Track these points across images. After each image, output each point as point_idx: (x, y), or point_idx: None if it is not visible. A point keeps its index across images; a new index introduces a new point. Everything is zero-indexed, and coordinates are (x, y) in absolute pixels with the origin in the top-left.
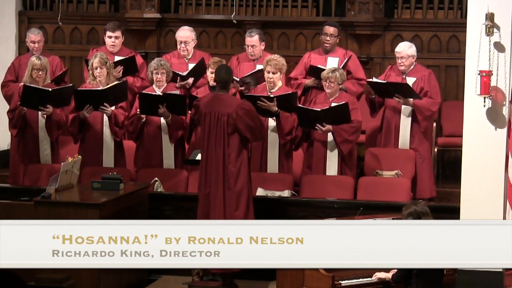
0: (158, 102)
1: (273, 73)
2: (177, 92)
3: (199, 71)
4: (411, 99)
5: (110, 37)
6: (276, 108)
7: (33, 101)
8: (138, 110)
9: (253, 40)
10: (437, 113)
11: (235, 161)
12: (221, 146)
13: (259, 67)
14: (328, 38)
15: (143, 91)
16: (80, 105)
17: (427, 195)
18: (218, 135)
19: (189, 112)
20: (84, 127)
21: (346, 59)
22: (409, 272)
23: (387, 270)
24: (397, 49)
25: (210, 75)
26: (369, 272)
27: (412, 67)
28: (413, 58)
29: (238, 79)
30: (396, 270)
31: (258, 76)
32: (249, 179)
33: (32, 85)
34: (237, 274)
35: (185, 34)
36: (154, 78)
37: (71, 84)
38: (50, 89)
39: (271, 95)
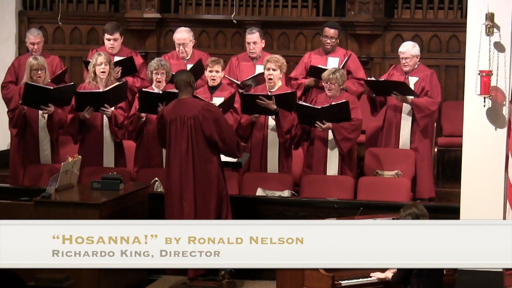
0: (158, 100)
1: (274, 70)
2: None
3: (196, 72)
4: (409, 97)
5: (108, 39)
6: (275, 106)
7: (35, 100)
8: (137, 108)
9: (254, 36)
10: (437, 113)
11: (205, 162)
12: (190, 148)
13: (258, 67)
14: (328, 40)
15: (142, 89)
16: (80, 107)
17: (426, 195)
18: (185, 138)
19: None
20: (84, 127)
21: (346, 59)
22: (408, 273)
23: (385, 270)
24: (400, 49)
25: (209, 74)
26: (369, 272)
27: (415, 66)
28: (417, 58)
29: (239, 82)
30: (395, 271)
31: (259, 79)
32: (221, 182)
33: (33, 83)
34: (237, 274)
35: (183, 36)
36: (154, 79)
37: (72, 83)
38: (51, 88)
39: (271, 94)
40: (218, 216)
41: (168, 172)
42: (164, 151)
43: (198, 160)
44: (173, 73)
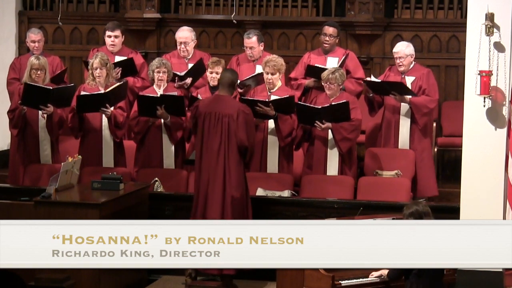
0: (156, 104)
1: (272, 74)
2: (175, 93)
3: (197, 71)
4: (408, 96)
5: (109, 36)
6: (274, 112)
7: (34, 100)
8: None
9: (251, 41)
10: (437, 112)
11: (235, 163)
12: (222, 147)
13: (258, 67)
14: (327, 38)
15: (141, 93)
16: (82, 109)
17: (428, 194)
18: (218, 136)
19: (189, 112)
20: (84, 125)
21: (344, 58)
22: (405, 271)
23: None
24: (394, 49)
25: (209, 75)
26: (369, 272)
27: (411, 66)
28: (412, 57)
29: (238, 82)
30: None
31: (259, 79)
32: (245, 181)
33: (33, 83)
34: (237, 274)
35: (185, 34)
36: (156, 77)
37: (72, 84)
38: (51, 88)
39: (270, 95)
40: (243, 215)
41: (199, 167)
42: (163, 151)
43: (229, 158)
44: (174, 72)
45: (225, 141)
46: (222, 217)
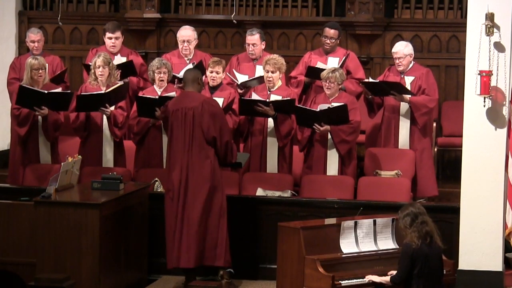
0: (155, 105)
1: (272, 72)
2: (174, 93)
3: None
4: (407, 95)
5: (110, 38)
6: (273, 112)
7: (29, 102)
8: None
9: (253, 38)
10: (437, 112)
11: (202, 156)
12: (188, 142)
13: (259, 67)
14: (328, 41)
15: (139, 95)
16: (82, 108)
17: (428, 194)
18: (185, 131)
19: None
20: (89, 121)
21: (344, 58)
22: (409, 272)
23: (380, 272)
24: (393, 49)
25: (209, 74)
26: (369, 272)
27: (410, 66)
28: (411, 57)
29: (239, 83)
30: (391, 272)
31: (260, 82)
32: (216, 180)
33: (27, 86)
34: (237, 274)
35: (187, 33)
36: (157, 78)
37: (69, 91)
38: (45, 92)
39: (270, 94)
40: (207, 212)
41: (169, 165)
42: (164, 151)
43: (195, 152)
44: (174, 74)
45: (192, 134)
46: (184, 211)
